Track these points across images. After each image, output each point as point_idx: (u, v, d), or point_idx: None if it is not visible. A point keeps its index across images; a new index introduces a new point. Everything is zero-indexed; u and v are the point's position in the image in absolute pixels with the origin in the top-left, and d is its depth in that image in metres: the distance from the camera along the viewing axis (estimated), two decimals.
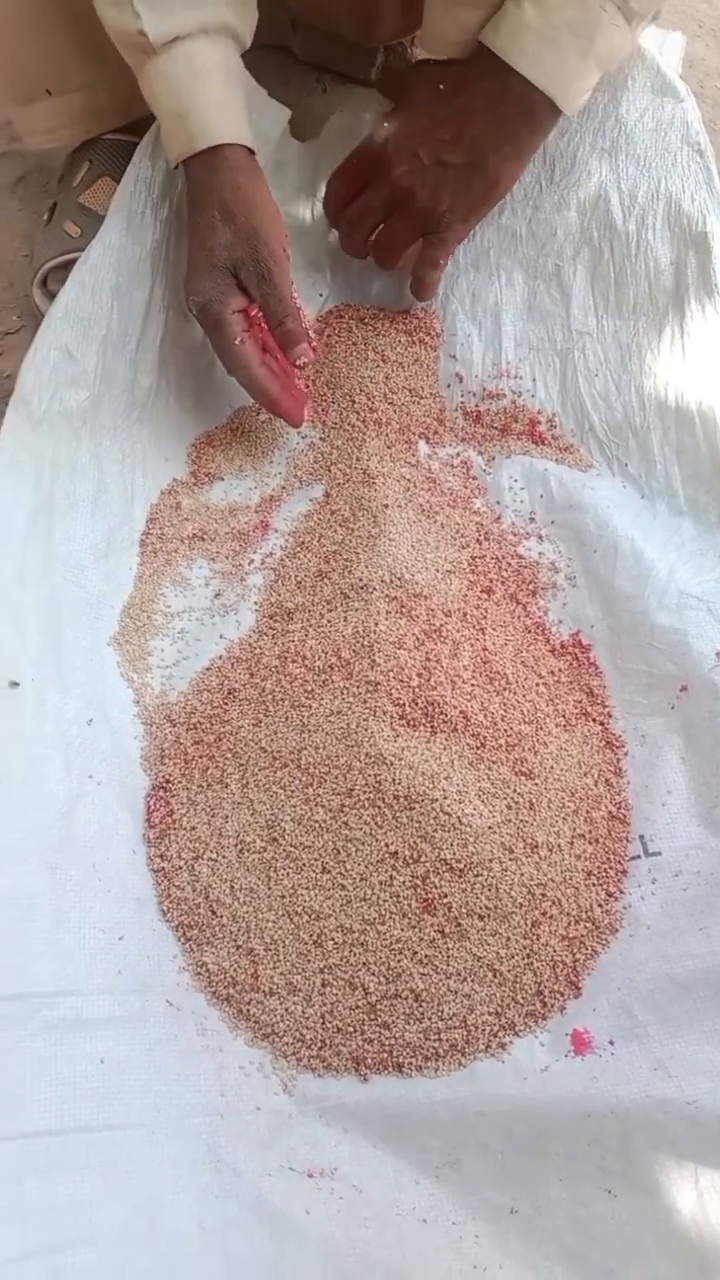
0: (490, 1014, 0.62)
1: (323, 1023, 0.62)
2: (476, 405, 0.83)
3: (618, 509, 0.77)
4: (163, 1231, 0.55)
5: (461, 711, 0.66)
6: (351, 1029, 0.61)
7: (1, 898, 0.61)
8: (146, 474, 0.80)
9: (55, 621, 0.72)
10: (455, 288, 0.84)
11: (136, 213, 0.79)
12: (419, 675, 0.67)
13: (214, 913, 0.64)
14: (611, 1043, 0.61)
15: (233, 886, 0.65)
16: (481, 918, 0.62)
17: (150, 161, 0.79)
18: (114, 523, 0.78)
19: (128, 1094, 0.58)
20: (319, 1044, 0.61)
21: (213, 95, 0.71)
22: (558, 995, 0.63)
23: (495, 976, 0.62)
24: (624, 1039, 0.61)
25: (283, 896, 0.64)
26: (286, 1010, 0.62)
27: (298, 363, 0.76)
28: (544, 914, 0.63)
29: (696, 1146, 0.57)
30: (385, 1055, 0.61)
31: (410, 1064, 0.61)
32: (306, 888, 0.63)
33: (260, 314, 0.76)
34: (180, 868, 0.66)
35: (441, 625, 0.70)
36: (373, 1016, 0.62)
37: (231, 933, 0.64)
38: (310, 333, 0.78)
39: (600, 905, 0.65)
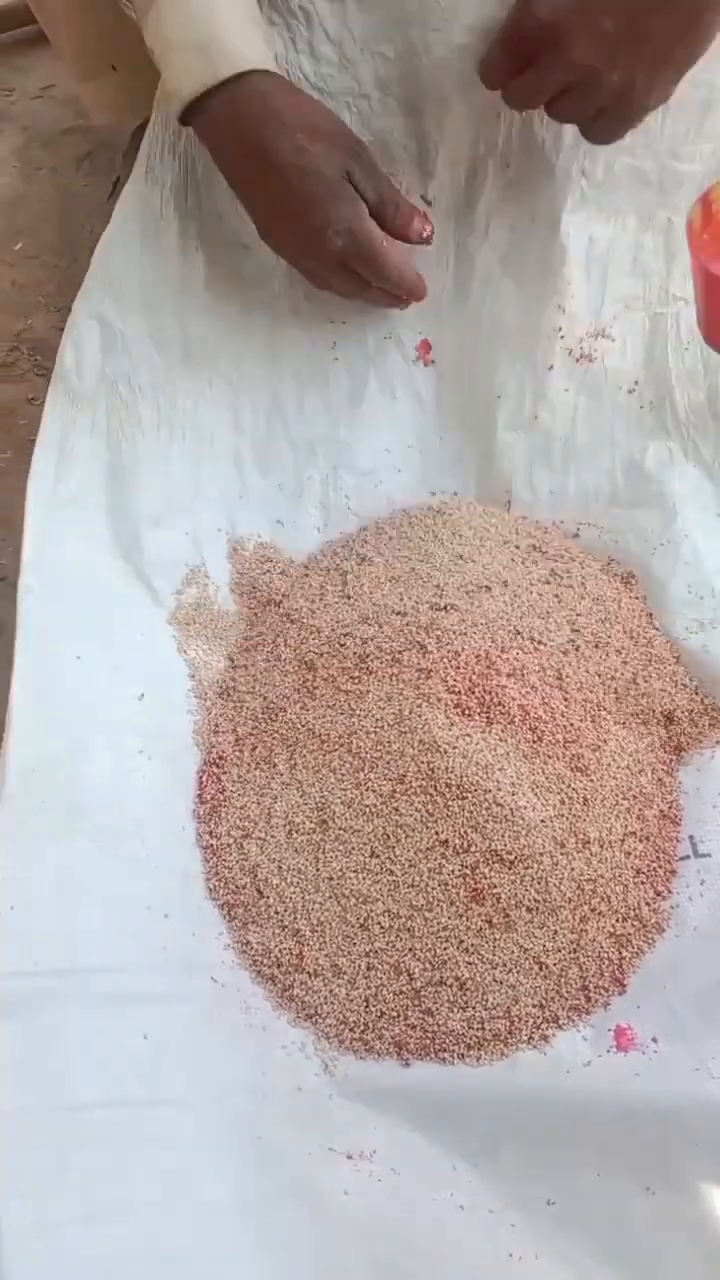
0: (534, 1006, 0.62)
1: (366, 1006, 0.62)
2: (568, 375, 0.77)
3: (683, 504, 0.75)
4: (201, 1206, 0.55)
5: (521, 705, 0.65)
6: (395, 1014, 0.62)
7: (52, 874, 0.62)
8: (213, 439, 0.77)
9: (104, 599, 0.72)
10: (577, 231, 0.75)
11: (155, 156, 0.74)
12: (479, 663, 0.66)
13: (260, 892, 0.65)
14: (654, 1040, 0.61)
15: (280, 867, 0.65)
16: (530, 910, 0.62)
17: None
18: (173, 489, 0.76)
19: (170, 1070, 0.59)
20: (361, 1027, 0.62)
21: (238, 19, 0.64)
22: (602, 991, 0.62)
23: (541, 969, 0.62)
24: (667, 1037, 0.60)
25: (330, 879, 0.64)
26: (330, 992, 0.62)
27: (425, 235, 0.70)
28: (592, 909, 0.63)
29: None
30: (427, 1042, 0.61)
31: (452, 1052, 0.61)
32: (354, 871, 0.63)
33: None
34: (229, 845, 0.66)
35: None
36: (416, 1002, 0.62)
37: (278, 913, 0.64)
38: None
39: (648, 904, 0.64)
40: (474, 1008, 0.61)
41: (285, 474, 0.79)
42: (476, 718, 0.65)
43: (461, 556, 0.74)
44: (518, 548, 0.75)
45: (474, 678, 0.66)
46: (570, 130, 0.71)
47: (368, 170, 0.67)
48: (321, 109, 0.67)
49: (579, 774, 0.65)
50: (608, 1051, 0.61)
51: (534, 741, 0.65)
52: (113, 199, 0.89)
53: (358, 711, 0.67)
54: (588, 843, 0.63)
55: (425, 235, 0.70)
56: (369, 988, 0.62)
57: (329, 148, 0.65)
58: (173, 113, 0.66)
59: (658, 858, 0.66)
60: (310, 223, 0.65)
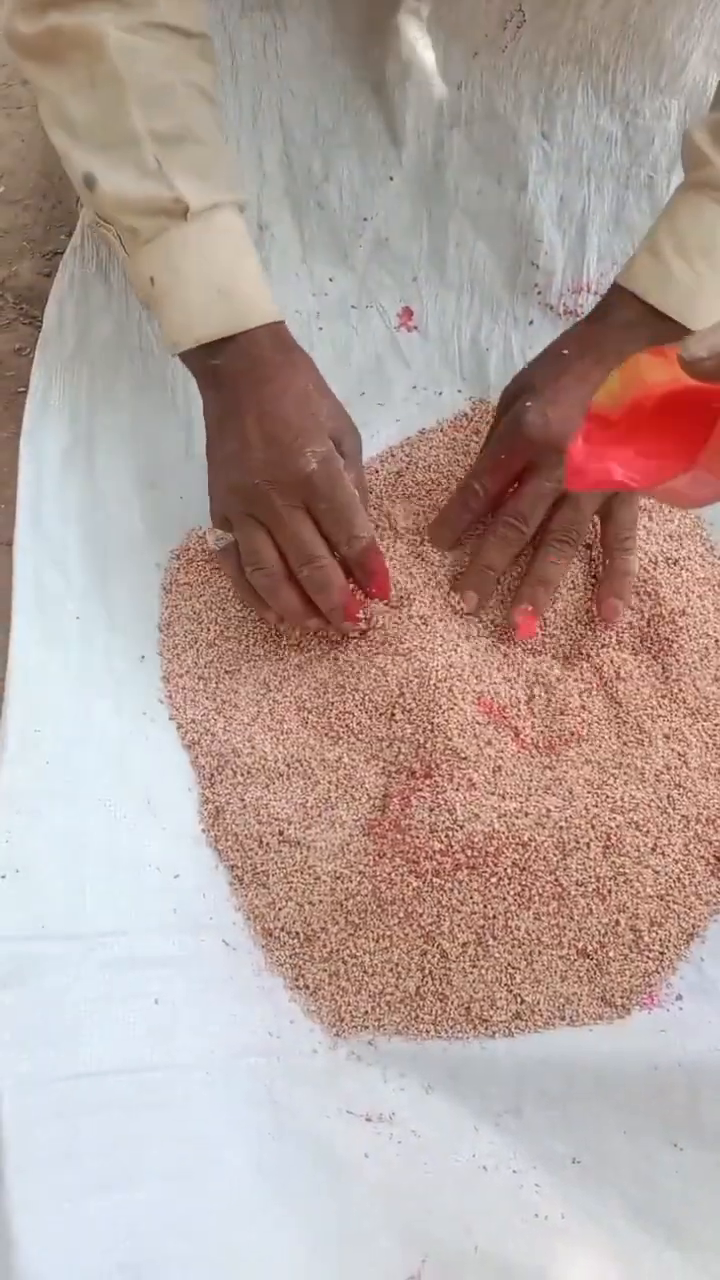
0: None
1: (380, 994, 0.59)
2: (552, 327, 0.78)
3: None
4: (218, 1171, 0.54)
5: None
6: (410, 1000, 0.59)
7: (56, 837, 0.60)
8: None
9: (102, 558, 0.71)
10: (544, 190, 0.78)
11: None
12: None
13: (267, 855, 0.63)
14: (680, 997, 0.59)
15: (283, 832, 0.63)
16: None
17: None
18: (167, 450, 0.75)
19: (182, 1034, 0.57)
20: (369, 1010, 0.59)
21: (256, 270, 0.64)
22: None
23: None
24: (692, 994, 0.59)
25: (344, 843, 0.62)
26: (339, 970, 0.60)
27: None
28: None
29: None
30: (444, 1021, 0.59)
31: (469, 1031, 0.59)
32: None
33: None
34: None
35: None
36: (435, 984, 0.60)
37: (287, 879, 0.62)
38: None
39: None
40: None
41: None
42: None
43: None
44: None
45: None
46: (529, 95, 0.76)
47: (357, 453, 0.66)
48: (327, 388, 0.66)
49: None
50: (633, 1009, 0.60)
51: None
52: None
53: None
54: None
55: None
56: (383, 970, 0.60)
57: (331, 407, 0.65)
58: (180, 345, 0.63)
59: None
60: (291, 439, 0.62)
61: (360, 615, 0.65)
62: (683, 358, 0.32)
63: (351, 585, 0.65)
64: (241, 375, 0.63)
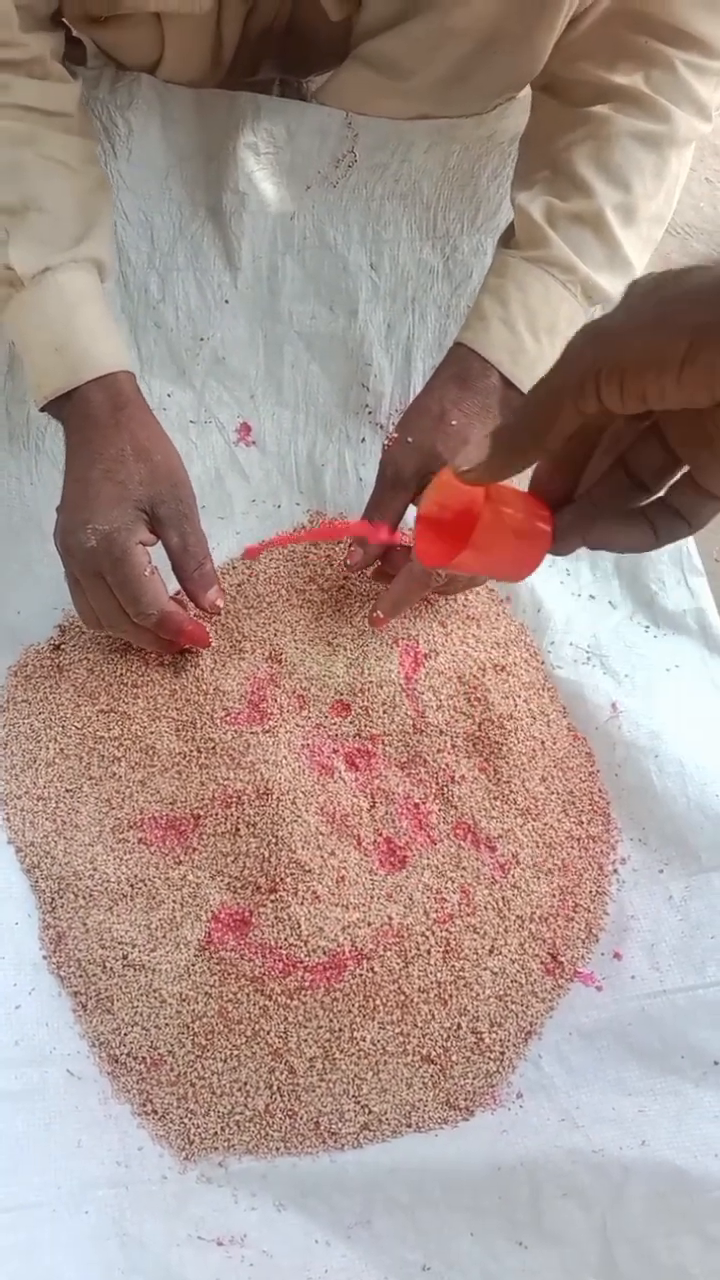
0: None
1: (228, 1114, 0.60)
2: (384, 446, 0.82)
3: None
4: None
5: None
6: (259, 1123, 0.60)
7: None
8: (41, 521, 0.77)
9: None
10: (373, 317, 0.82)
11: None
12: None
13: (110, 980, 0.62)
14: (520, 1095, 0.61)
15: (126, 956, 0.63)
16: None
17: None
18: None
19: (26, 1172, 0.56)
20: (218, 1131, 0.60)
21: (92, 322, 0.66)
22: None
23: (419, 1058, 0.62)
24: (531, 1091, 0.61)
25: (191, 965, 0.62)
26: (187, 1093, 0.60)
27: (217, 604, 0.69)
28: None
29: (603, 1194, 0.57)
30: (293, 1138, 0.60)
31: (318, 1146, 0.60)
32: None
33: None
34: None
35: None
36: (284, 1103, 0.60)
37: (131, 1004, 0.62)
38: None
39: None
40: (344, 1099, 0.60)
41: None
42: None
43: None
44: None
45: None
46: (358, 228, 0.81)
47: (179, 516, 0.67)
48: (164, 441, 0.68)
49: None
50: (476, 1111, 0.61)
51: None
52: None
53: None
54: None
55: (219, 603, 0.69)
56: (231, 1090, 0.60)
57: (148, 472, 0.66)
58: (38, 404, 0.67)
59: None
60: (78, 515, 0.65)
61: (204, 628, 0.70)
62: (455, 473, 0.42)
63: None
64: (74, 433, 0.67)
